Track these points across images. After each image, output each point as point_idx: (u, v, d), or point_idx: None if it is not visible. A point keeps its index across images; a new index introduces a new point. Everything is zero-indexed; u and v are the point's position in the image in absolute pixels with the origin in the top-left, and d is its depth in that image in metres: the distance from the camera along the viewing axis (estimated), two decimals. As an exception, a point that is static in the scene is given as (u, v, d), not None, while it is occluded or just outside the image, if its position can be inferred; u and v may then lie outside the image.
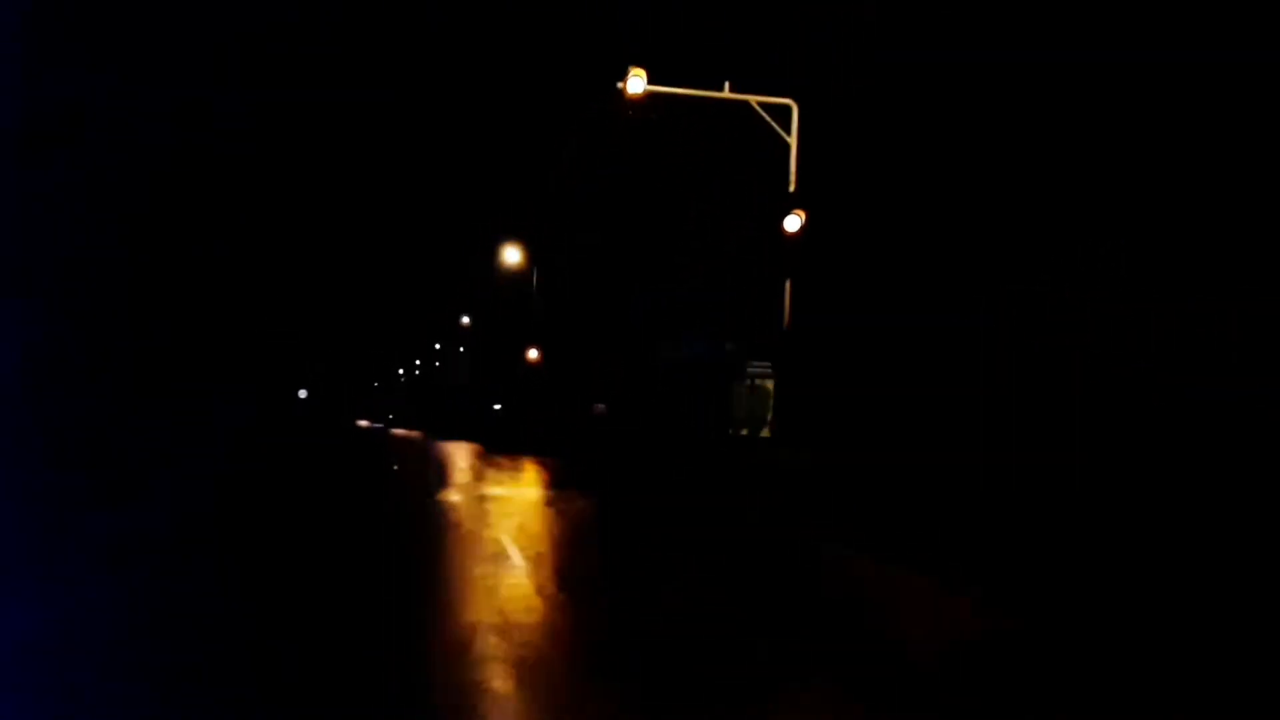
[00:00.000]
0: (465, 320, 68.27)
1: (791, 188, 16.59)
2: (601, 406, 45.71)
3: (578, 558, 11.52)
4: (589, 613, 8.32)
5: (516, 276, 51.03)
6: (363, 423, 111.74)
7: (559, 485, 23.22)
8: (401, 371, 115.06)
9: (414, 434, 72.70)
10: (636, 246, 35.22)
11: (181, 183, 39.18)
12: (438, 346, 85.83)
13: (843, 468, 16.03)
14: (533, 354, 50.33)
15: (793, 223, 16.39)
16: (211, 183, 43.01)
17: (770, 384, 18.49)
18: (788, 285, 16.21)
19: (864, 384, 16.27)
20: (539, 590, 9.11)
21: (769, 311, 17.47)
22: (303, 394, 53.14)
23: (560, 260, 45.19)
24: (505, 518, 15.73)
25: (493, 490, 20.86)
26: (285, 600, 8.58)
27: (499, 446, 44.92)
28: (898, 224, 16.21)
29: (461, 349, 76.98)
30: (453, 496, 19.37)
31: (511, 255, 44.97)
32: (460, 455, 36.96)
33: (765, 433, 18.64)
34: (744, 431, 18.86)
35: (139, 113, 35.51)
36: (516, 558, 11.03)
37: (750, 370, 19.24)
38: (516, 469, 28.80)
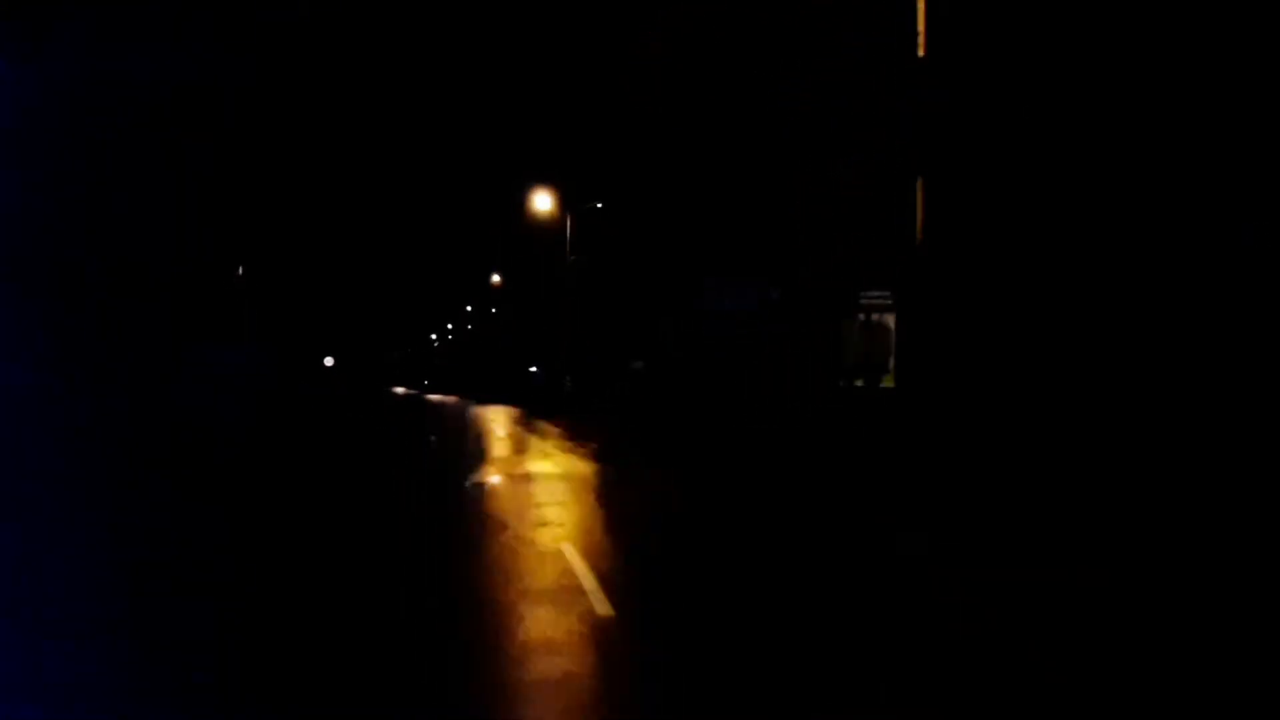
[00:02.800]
0: (496, 278, 64.16)
1: (920, 51, 12.04)
2: (639, 364, 41.80)
3: (691, 592, 7.27)
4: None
5: (549, 227, 46.71)
6: (399, 389, 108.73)
7: (617, 458, 19.07)
8: (435, 336, 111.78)
9: (450, 399, 69.13)
10: (682, 176, 30.65)
11: (203, 142, 35.19)
12: (469, 308, 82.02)
13: (997, 431, 11.68)
14: (568, 310, 46.23)
15: (925, 98, 11.85)
16: (235, 147, 39.01)
17: (891, 319, 14.02)
18: (919, 185, 11.76)
19: (1028, 318, 11.79)
20: (655, 678, 4.92)
21: (888, 223, 13.02)
22: (329, 361, 49.34)
23: (595, 206, 40.66)
24: (561, 508, 11.58)
25: (539, 466, 16.74)
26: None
27: (538, 410, 40.90)
28: (1077, 95, 11.55)
29: (494, 310, 73.07)
30: (492, 477, 15.27)
31: (543, 202, 40.54)
32: (499, 422, 32.98)
33: (888, 381, 14.24)
34: (858, 382, 14.51)
35: (149, 54, 31.56)
36: (594, 593, 6.81)
37: (865, 300, 14.69)
38: (561, 436, 24.70)
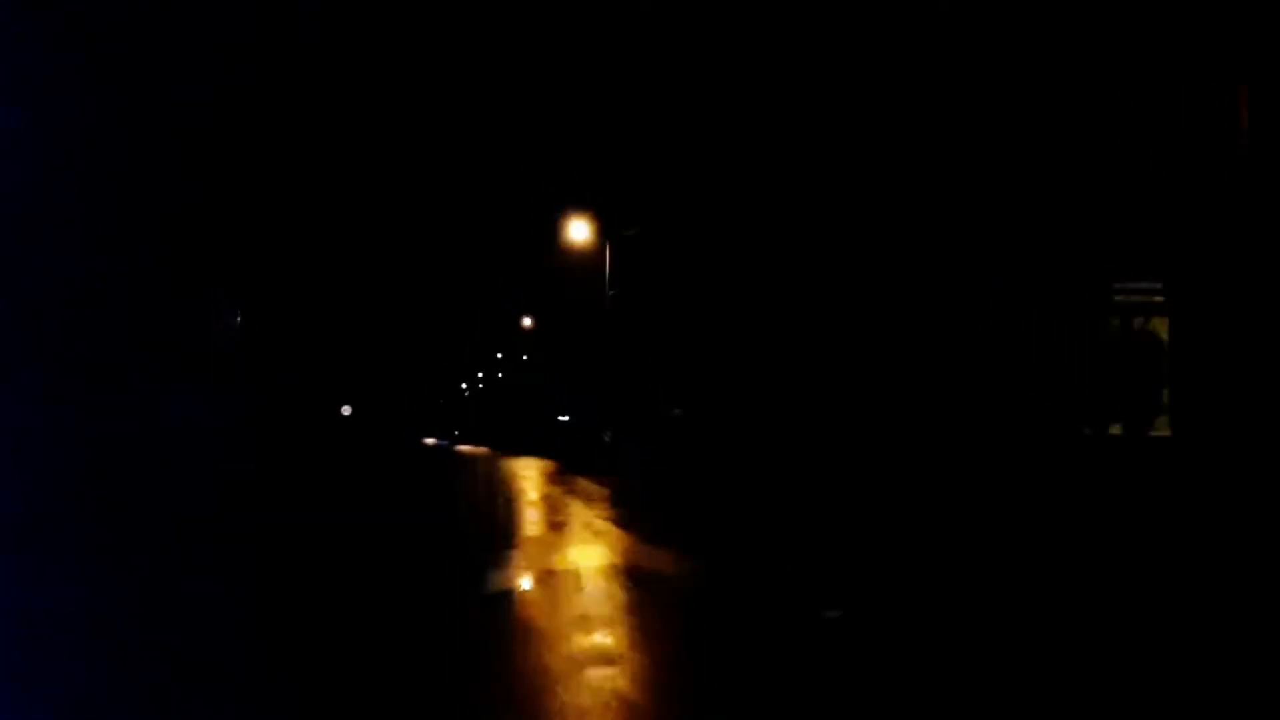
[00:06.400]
0: (527, 322, 59.47)
1: None
2: (678, 411, 36.78)
3: None
4: None
5: (584, 262, 42.04)
6: (429, 440, 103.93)
7: (697, 541, 13.89)
8: (465, 386, 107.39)
9: (480, 450, 64.21)
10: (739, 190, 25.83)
11: (213, 171, 31.04)
12: (499, 355, 77.41)
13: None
14: (606, 352, 41.47)
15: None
16: (245, 189, 34.95)
17: (1164, 326, 8.66)
18: (1242, 97, 6.67)
19: None
20: None
21: (1158, 169, 7.95)
22: (346, 410, 44.89)
23: (637, 233, 35.91)
24: (646, 666, 6.40)
25: (590, 556, 11.60)
26: None
27: (574, 464, 35.75)
28: None
29: (525, 356, 68.42)
30: (524, 577, 10.15)
31: (579, 231, 35.82)
32: (531, 480, 27.86)
33: (1161, 428, 8.91)
34: (1114, 428, 9.17)
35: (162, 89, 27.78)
36: None
37: (1124, 296, 9.16)
38: (607, 501, 19.54)
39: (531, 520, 16.28)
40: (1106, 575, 8.80)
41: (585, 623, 7.73)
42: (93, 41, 25.39)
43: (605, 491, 21.83)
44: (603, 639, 7.13)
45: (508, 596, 9.11)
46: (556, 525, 15.25)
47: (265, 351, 33.11)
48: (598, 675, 6.09)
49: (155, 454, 20.38)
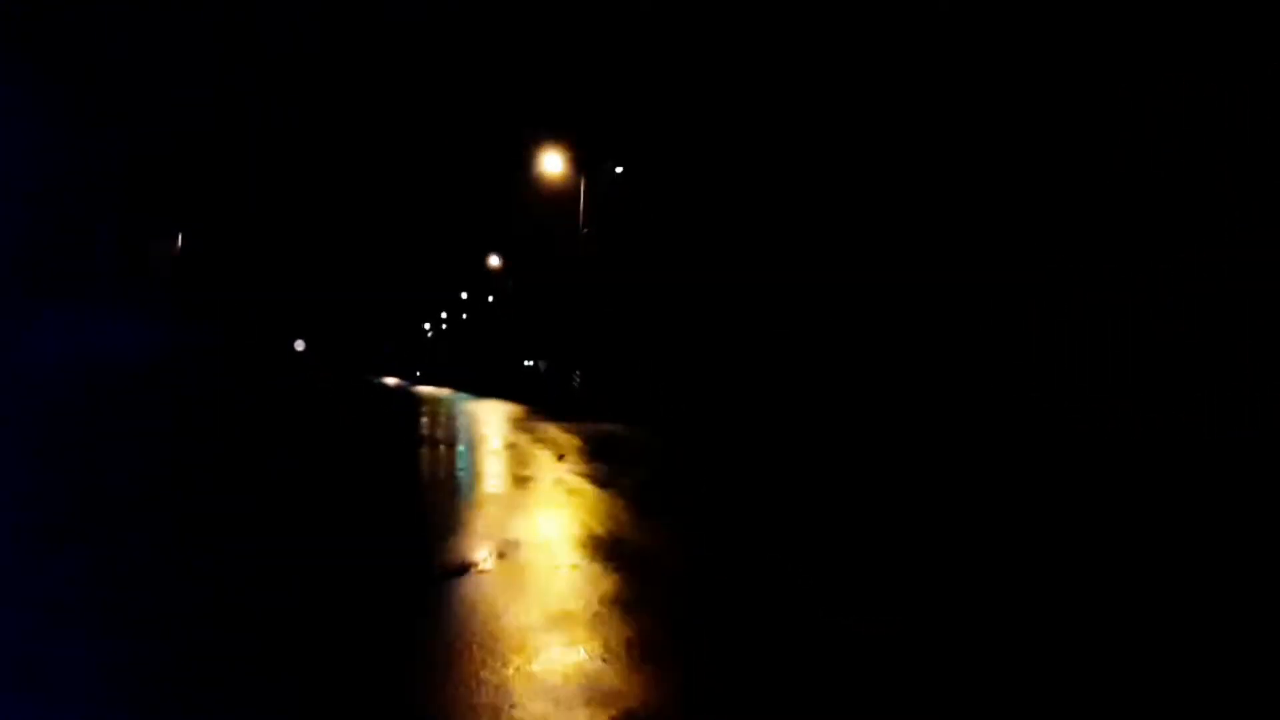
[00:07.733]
0: (495, 261, 56.91)
1: None
2: (642, 359, 35.20)
3: None
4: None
5: (558, 197, 39.69)
6: (390, 380, 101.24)
7: (688, 505, 12.10)
8: (428, 325, 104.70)
9: (442, 392, 62.06)
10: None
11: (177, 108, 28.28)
12: (464, 295, 74.77)
13: None
14: (579, 293, 39.45)
15: None
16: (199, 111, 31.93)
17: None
18: None
19: None
20: None
21: None
22: (300, 345, 42.35)
23: (613, 169, 33.61)
24: (668, 695, 4.46)
25: (566, 521, 9.68)
26: None
27: (542, 409, 33.81)
28: None
29: (490, 297, 66.04)
30: (481, 551, 8.16)
31: (553, 164, 33.33)
32: (495, 425, 25.83)
33: None
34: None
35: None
36: None
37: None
38: (581, 452, 17.62)
39: (494, 474, 14.29)
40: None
41: (564, 624, 5.79)
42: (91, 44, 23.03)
43: (576, 442, 19.90)
44: (589, 656, 5.19)
45: (462, 579, 7.13)
46: (525, 479, 13.28)
47: (209, 280, 30.47)
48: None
49: (68, 391, 17.96)
